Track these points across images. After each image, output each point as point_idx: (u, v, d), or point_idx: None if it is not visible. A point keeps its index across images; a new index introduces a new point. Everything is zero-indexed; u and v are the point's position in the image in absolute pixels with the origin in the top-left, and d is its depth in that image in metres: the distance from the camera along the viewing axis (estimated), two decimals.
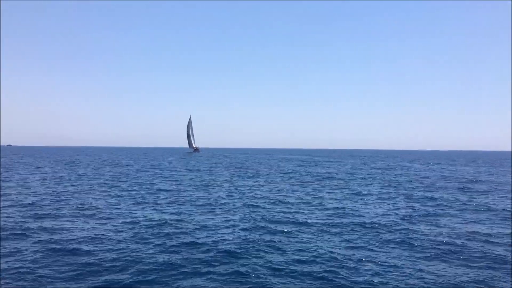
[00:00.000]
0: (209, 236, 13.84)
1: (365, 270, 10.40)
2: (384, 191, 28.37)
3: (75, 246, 12.36)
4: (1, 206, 19.51)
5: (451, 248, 12.56)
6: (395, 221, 16.78)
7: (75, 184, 31.19)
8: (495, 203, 22.35)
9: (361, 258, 11.46)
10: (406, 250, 12.46)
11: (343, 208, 20.25)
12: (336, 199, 23.76)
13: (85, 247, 12.27)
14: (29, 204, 20.36)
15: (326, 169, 57.45)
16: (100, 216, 17.57)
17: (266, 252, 11.94)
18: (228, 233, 14.35)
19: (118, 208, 19.63)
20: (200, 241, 13.13)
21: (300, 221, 16.73)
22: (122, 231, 14.60)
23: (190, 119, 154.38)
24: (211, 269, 10.33)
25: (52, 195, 23.91)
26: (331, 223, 16.43)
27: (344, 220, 16.95)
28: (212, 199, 23.18)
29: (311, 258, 11.30)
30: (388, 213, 18.92)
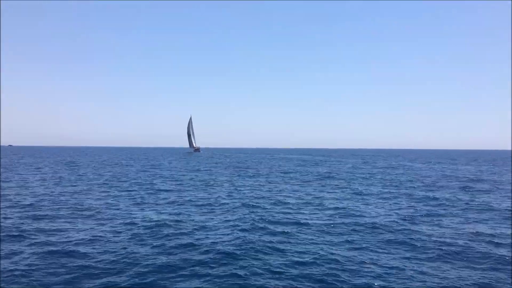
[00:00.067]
0: (208, 237, 13.67)
1: (367, 272, 10.22)
2: (386, 190, 28.18)
3: (72, 248, 12.19)
4: (1, 206, 19.36)
5: (454, 249, 12.37)
6: (397, 221, 16.59)
7: (74, 184, 31.05)
8: (498, 203, 22.14)
9: (362, 259, 11.28)
10: (408, 251, 12.27)
11: (344, 208, 20.06)
12: (337, 199, 23.57)
13: (82, 248, 12.11)
14: (27, 205, 20.20)
15: (327, 168, 57.24)
16: (99, 217, 17.40)
17: (266, 254, 11.76)
18: (228, 234, 14.17)
19: (117, 209, 19.47)
20: (199, 242, 12.95)
21: (301, 221, 16.54)
22: (120, 232, 14.43)
23: (190, 118, 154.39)
24: (210, 271, 10.16)
25: (51, 196, 23.75)
26: (332, 223, 16.24)
27: (345, 221, 16.76)
28: (212, 199, 23.01)
29: (312, 260, 11.12)
30: (389, 213, 18.72)
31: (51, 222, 16.06)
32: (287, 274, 10.04)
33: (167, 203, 21.76)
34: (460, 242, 13.19)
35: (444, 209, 19.96)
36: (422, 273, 10.19)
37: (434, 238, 13.67)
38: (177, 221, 16.44)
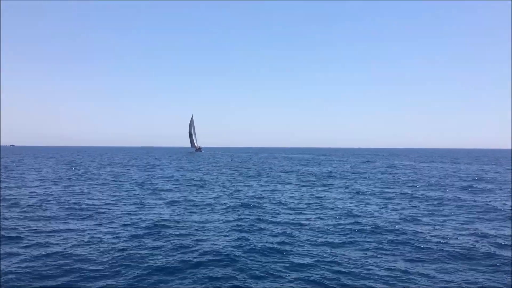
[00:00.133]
0: (207, 238, 13.49)
1: (369, 274, 10.01)
2: (388, 190, 27.94)
3: (71, 249, 12.03)
4: (0, 207, 19.24)
5: (457, 250, 12.15)
6: (399, 222, 16.37)
7: (74, 184, 30.93)
8: (502, 203, 21.90)
9: (364, 261, 11.08)
10: (411, 252, 12.06)
11: (346, 208, 19.84)
12: (338, 199, 23.36)
13: (81, 250, 11.95)
14: (26, 205, 20.06)
15: (328, 168, 57.01)
16: (98, 217, 17.25)
17: (265, 255, 11.56)
18: (227, 235, 13.98)
19: (117, 209, 19.31)
20: (198, 243, 12.78)
21: (301, 222, 16.34)
22: (119, 233, 14.27)
23: (192, 118, 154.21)
24: (209, 273, 9.97)
25: (50, 196, 23.61)
26: (333, 224, 16.03)
27: (347, 221, 16.55)
28: (212, 199, 22.83)
29: (312, 262, 10.92)
30: (392, 213, 18.51)
31: (50, 223, 15.91)
32: (287, 275, 9.84)
33: (167, 203, 21.60)
34: (464, 243, 12.97)
35: (447, 209, 19.73)
36: (424, 274, 9.98)
37: (436, 239, 13.45)
38: (176, 221, 16.27)
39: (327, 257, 11.31)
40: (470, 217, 17.64)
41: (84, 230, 14.65)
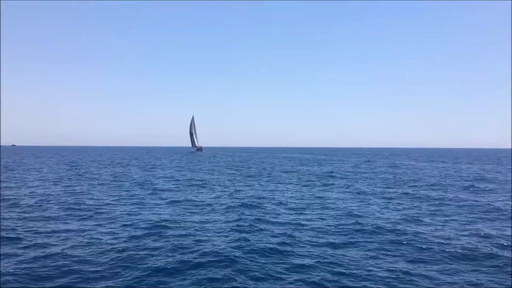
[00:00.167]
0: (207, 238, 13.41)
1: (369, 275, 9.92)
2: (389, 190, 27.84)
3: (71, 249, 11.97)
4: (0, 207, 19.19)
5: (459, 250, 12.05)
6: (400, 222, 16.28)
7: (74, 184, 30.88)
8: (503, 203, 21.79)
9: (365, 262, 10.99)
10: (412, 252, 11.97)
11: (347, 208, 19.75)
12: (339, 199, 23.27)
13: (81, 250, 11.88)
14: (26, 205, 20.01)
15: (329, 167, 56.91)
16: (97, 217, 17.18)
17: (265, 256, 11.48)
18: (227, 236, 13.91)
19: (117, 209, 19.24)
20: (198, 243, 12.70)
21: (302, 222, 16.26)
22: (119, 233, 14.20)
23: (193, 118, 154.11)
24: (209, 274, 9.89)
25: (50, 196, 23.56)
26: (334, 224, 15.95)
27: (348, 221, 16.46)
28: (212, 199, 22.75)
29: (313, 263, 10.83)
30: (393, 214, 18.41)
31: (49, 223, 15.85)
32: (287, 278, 9.76)
33: (167, 203, 21.53)
34: (465, 243, 12.88)
35: (449, 209, 19.63)
36: (426, 276, 9.89)
37: (438, 240, 13.36)
38: (176, 221, 16.19)
39: (328, 258, 11.22)
40: (472, 217, 17.54)
41: (83, 231, 14.59)
